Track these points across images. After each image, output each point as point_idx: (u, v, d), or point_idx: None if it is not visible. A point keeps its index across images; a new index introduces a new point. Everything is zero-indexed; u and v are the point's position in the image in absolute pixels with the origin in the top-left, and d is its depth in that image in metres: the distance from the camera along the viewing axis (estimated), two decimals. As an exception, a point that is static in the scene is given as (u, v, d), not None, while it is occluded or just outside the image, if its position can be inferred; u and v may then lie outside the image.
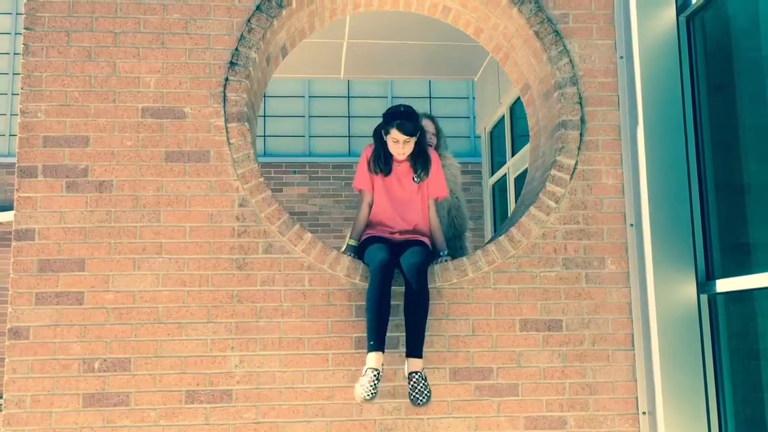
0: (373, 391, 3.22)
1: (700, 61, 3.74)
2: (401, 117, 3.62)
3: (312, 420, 3.52)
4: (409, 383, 3.32)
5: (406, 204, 3.79)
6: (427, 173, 3.79)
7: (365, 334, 3.52)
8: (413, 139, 3.68)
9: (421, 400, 3.26)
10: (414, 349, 3.38)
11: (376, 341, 3.34)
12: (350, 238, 3.84)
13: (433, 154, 3.88)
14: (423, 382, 3.30)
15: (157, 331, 3.52)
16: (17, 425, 3.40)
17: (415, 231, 3.78)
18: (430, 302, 3.50)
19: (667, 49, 3.77)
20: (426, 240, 3.77)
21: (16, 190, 3.58)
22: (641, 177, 3.69)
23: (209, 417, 3.49)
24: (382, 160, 3.75)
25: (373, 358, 3.32)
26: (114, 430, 3.44)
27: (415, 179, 3.78)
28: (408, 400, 3.51)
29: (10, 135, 10.63)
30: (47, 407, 3.43)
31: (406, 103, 3.81)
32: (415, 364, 3.36)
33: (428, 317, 3.49)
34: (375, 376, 3.26)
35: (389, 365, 3.56)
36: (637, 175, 3.74)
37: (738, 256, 3.53)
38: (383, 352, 3.36)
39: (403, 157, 3.74)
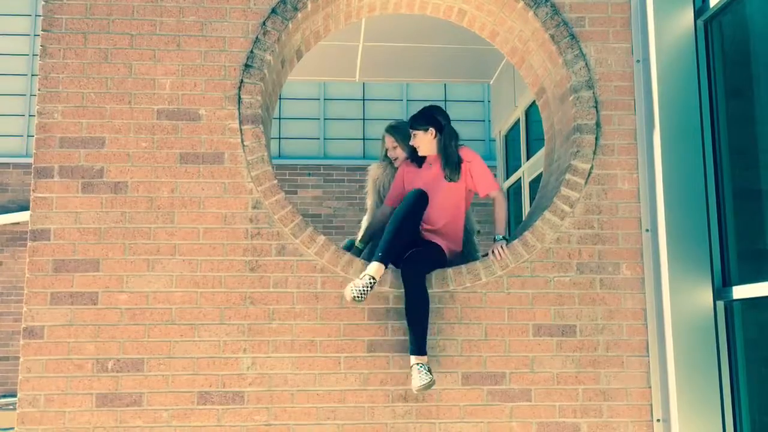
0: (363, 294, 3.33)
1: (717, 65, 3.71)
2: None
3: (323, 423, 3.52)
4: (411, 374, 3.42)
5: (433, 206, 3.78)
6: (457, 171, 3.80)
7: (377, 336, 3.54)
8: (415, 137, 3.90)
9: (417, 384, 3.33)
10: (412, 348, 3.45)
11: (384, 254, 3.46)
12: (359, 240, 3.89)
13: (467, 152, 3.86)
14: (424, 369, 3.36)
15: (170, 332, 3.54)
16: (31, 424, 3.43)
17: (438, 232, 3.79)
18: (443, 306, 3.53)
19: (685, 53, 3.74)
20: (444, 243, 3.76)
21: (32, 190, 3.61)
22: (657, 182, 3.66)
23: (221, 418, 3.49)
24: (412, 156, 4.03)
25: (374, 267, 3.42)
26: (126, 430, 3.46)
27: (446, 178, 3.80)
28: (419, 405, 3.51)
29: (27, 136, 10.74)
30: (61, 407, 3.45)
31: (429, 105, 3.96)
32: (414, 358, 3.42)
33: (430, 318, 3.53)
34: (370, 283, 3.37)
35: (401, 369, 3.55)
36: (653, 180, 3.71)
37: (755, 263, 3.49)
38: (387, 268, 3.48)
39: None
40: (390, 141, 4.10)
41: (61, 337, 3.50)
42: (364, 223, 4.14)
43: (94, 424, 3.45)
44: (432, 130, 3.83)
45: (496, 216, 3.83)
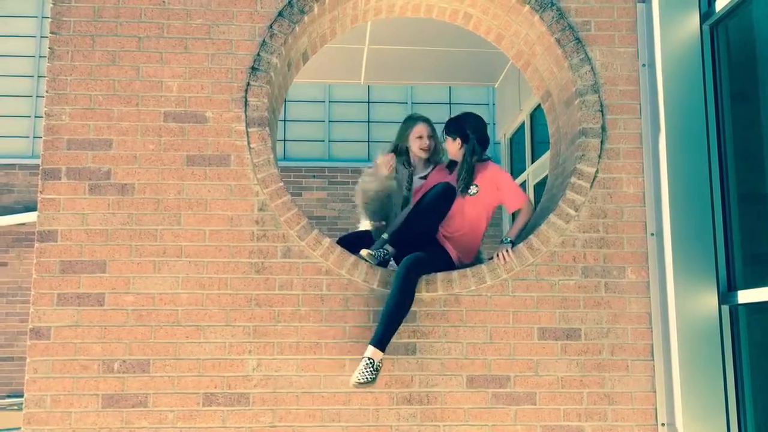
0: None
1: (723, 69, 3.71)
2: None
3: (328, 425, 3.52)
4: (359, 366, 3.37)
5: (454, 213, 3.76)
6: (464, 186, 3.76)
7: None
8: (446, 140, 3.95)
9: (357, 379, 3.31)
10: (374, 339, 3.41)
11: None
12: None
13: (492, 168, 3.83)
14: (369, 366, 3.33)
15: (176, 334, 3.55)
16: (37, 425, 3.44)
17: (451, 239, 3.80)
18: (448, 308, 3.54)
19: (690, 57, 3.75)
20: (454, 252, 3.76)
21: (40, 192, 3.63)
22: (663, 186, 3.66)
23: (226, 420, 3.50)
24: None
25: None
26: (132, 431, 3.47)
27: (460, 192, 3.77)
28: (424, 407, 3.52)
29: (33, 137, 10.77)
30: (67, 407, 3.46)
31: (466, 113, 4.00)
32: (371, 350, 3.37)
33: (435, 320, 3.58)
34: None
35: (405, 372, 3.56)
36: (658, 184, 3.71)
37: (760, 267, 3.49)
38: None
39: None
40: (427, 129, 4.14)
41: (67, 338, 3.51)
42: (369, 227, 4.06)
43: (99, 425, 3.46)
44: (458, 141, 3.84)
45: (516, 222, 3.84)
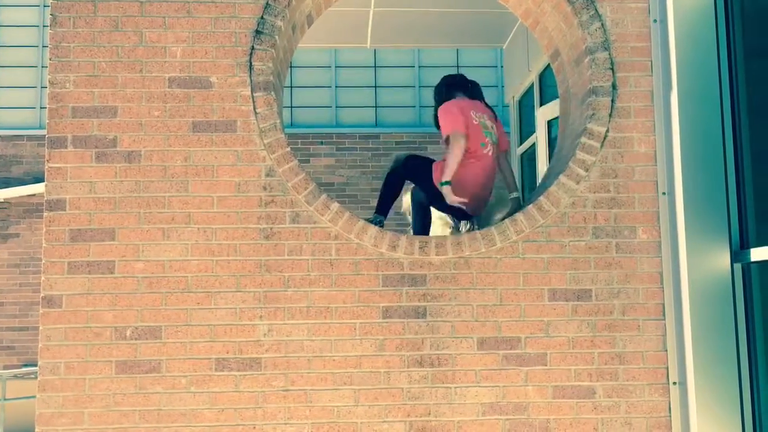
0: None
1: (737, 25, 3.63)
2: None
3: (340, 388, 3.54)
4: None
5: None
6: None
7: (392, 303, 3.57)
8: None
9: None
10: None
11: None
12: None
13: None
14: None
15: (187, 300, 3.56)
16: (52, 391, 3.48)
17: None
18: (458, 271, 3.54)
19: (704, 12, 3.66)
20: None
21: (47, 160, 3.61)
22: (674, 144, 3.61)
23: (239, 384, 3.53)
24: None
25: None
26: (146, 397, 3.50)
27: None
28: (435, 369, 3.54)
29: (40, 108, 10.75)
30: (81, 374, 3.50)
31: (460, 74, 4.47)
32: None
33: (445, 283, 3.64)
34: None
35: (416, 335, 3.57)
36: (670, 143, 3.66)
37: (774, 225, 3.45)
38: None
39: None
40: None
41: (79, 306, 3.53)
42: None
43: (114, 391, 3.50)
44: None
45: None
